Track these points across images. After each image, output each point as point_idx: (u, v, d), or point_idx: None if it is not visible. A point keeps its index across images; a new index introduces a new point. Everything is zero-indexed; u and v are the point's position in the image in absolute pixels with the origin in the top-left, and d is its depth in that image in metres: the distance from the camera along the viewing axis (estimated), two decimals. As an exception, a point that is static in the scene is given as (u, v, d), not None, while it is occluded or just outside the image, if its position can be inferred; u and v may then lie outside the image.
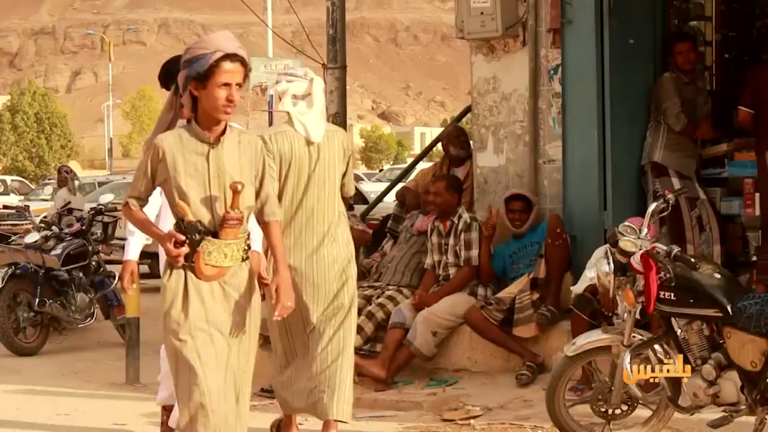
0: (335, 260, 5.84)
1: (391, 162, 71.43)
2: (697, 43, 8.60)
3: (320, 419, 5.83)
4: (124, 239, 14.00)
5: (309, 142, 5.79)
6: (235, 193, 4.43)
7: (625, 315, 5.57)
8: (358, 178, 26.12)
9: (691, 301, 5.39)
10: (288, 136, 5.78)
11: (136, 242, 5.60)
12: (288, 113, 5.82)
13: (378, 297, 7.91)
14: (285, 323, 5.76)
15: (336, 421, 5.76)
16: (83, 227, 10.50)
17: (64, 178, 13.55)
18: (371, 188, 23.56)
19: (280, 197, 5.70)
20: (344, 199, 6.02)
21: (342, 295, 5.82)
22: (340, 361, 5.76)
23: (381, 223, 9.57)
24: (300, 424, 6.77)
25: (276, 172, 5.70)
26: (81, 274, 10.26)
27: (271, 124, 31.57)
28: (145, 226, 4.68)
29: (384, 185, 17.17)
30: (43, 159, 62.98)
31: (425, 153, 12.39)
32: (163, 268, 4.59)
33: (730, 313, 5.31)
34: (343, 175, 5.92)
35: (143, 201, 4.60)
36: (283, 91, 5.85)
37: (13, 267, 10.06)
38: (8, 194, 31.69)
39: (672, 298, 5.42)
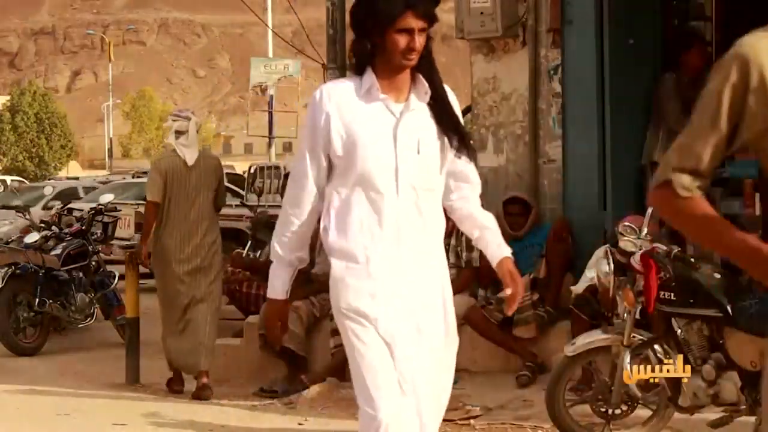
0: (206, 247, 7.84)
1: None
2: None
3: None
4: (123, 239, 14.05)
5: (186, 165, 7.78)
6: None
7: (625, 315, 5.58)
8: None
9: (691, 301, 5.40)
10: (172, 160, 7.85)
11: (284, 271, 3.75)
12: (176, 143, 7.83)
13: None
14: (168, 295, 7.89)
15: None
16: (83, 227, 10.50)
17: None
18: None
19: (169, 205, 7.77)
20: (218, 208, 8.02)
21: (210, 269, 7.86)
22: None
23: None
24: (300, 424, 6.79)
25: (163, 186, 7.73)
26: (81, 274, 10.27)
27: (271, 123, 31.62)
28: (719, 236, 2.35)
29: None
30: (43, 159, 62.96)
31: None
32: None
33: (730, 313, 5.32)
34: (216, 191, 7.91)
35: (707, 180, 2.39)
36: (169, 127, 8.03)
37: (13, 267, 10.06)
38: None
39: (672, 298, 5.42)
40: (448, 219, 8.37)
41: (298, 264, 3.70)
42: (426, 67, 3.57)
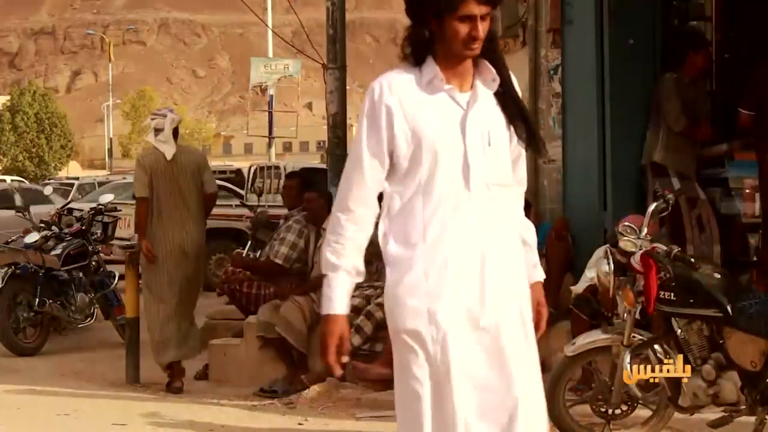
0: (192, 238, 8.30)
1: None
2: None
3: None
4: (123, 239, 14.09)
5: (166, 159, 8.20)
6: None
7: (625, 315, 5.58)
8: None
9: (691, 301, 5.40)
10: (154, 156, 8.29)
11: (341, 281, 3.25)
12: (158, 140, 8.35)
13: (377, 297, 7.91)
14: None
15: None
16: (83, 227, 10.50)
17: None
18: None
19: (156, 199, 8.18)
20: (210, 194, 8.41)
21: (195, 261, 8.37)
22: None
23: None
24: (300, 424, 6.79)
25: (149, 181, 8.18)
26: (81, 274, 10.27)
27: (271, 123, 31.63)
28: None
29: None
30: (43, 159, 62.95)
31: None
32: None
33: (730, 313, 5.32)
34: (202, 181, 8.32)
35: None
36: (148, 125, 8.64)
37: (13, 267, 10.06)
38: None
39: (672, 298, 5.42)
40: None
41: (355, 275, 3.23)
42: (490, 52, 3.24)
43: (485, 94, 3.23)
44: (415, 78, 3.22)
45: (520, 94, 3.33)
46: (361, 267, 3.24)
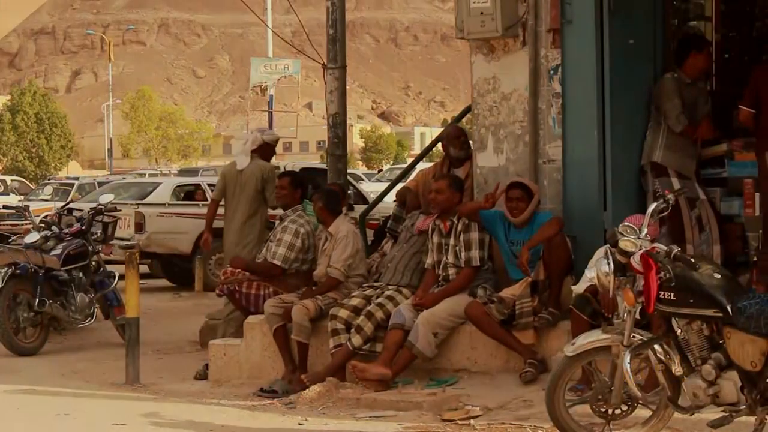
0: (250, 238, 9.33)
1: (391, 162, 71.41)
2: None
3: None
4: (123, 239, 14.17)
5: (236, 169, 9.48)
6: None
7: (625, 315, 5.58)
8: (357, 178, 26.15)
9: (691, 301, 5.40)
10: (231, 165, 9.64)
11: None
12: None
13: (377, 297, 7.92)
14: None
15: None
16: (83, 227, 10.50)
17: None
18: (371, 188, 23.57)
19: (225, 202, 9.48)
20: (271, 207, 9.48)
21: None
22: None
23: (381, 224, 9.59)
24: (300, 424, 6.79)
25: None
26: (81, 274, 10.27)
27: (270, 123, 31.69)
28: None
29: (384, 185, 17.26)
30: (43, 159, 62.93)
31: (425, 153, 12.37)
32: None
33: (730, 313, 5.32)
34: (264, 190, 9.36)
35: None
36: (244, 138, 10.04)
37: (13, 267, 10.05)
38: (8, 194, 31.61)
39: (672, 298, 5.42)
40: (447, 218, 8.35)
41: None
42: None
43: None
44: None
45: None
46: None
